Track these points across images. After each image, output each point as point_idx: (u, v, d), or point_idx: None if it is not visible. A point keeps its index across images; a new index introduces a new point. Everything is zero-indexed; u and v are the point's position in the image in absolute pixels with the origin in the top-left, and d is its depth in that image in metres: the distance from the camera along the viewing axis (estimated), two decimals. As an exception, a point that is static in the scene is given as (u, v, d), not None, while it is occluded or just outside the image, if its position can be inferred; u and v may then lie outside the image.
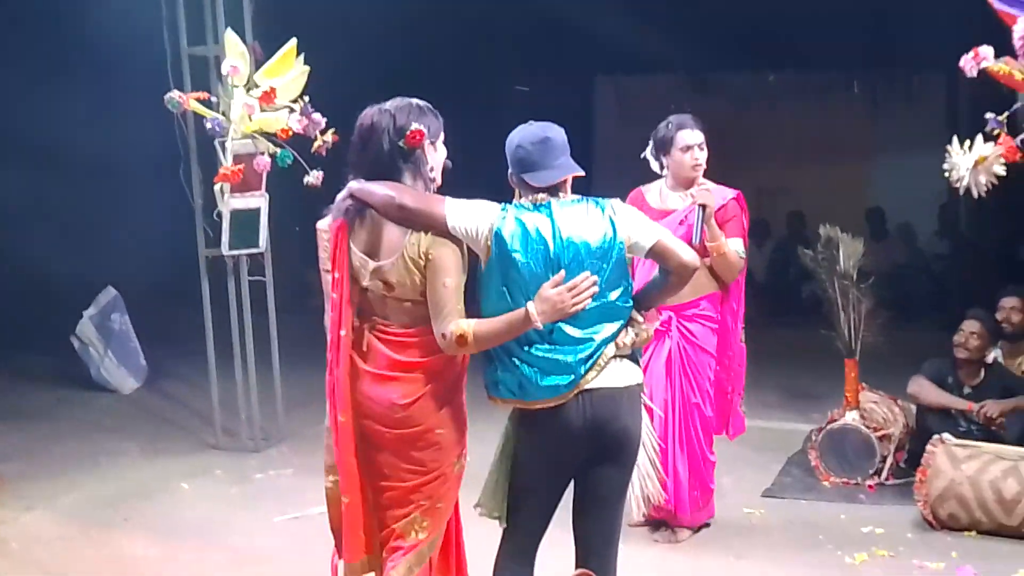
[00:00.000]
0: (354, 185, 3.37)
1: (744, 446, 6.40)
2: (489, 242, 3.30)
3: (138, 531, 5.41)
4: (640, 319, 3.53)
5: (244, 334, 6.70)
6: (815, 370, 7.48)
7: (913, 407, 6.25)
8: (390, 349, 3.40)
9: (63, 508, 5.74)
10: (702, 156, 5.00)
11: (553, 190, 3.42)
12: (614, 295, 3.41)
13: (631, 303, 3.49)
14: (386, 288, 3.36)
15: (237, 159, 6.00)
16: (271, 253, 6.65)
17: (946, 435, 5.42)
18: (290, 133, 5.91)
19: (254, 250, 6.50)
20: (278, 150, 6.03)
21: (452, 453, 3.48)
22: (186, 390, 8.02)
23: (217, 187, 6.15)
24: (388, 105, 3.40)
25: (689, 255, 3.49)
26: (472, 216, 3.32)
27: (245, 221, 6.31)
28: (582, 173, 3.44)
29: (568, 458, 3.47)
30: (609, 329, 3.41)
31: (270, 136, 6.01)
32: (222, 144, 6.02)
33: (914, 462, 5.63)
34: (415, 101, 3.43)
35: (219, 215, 6.25)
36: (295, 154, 5.99)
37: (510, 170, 3.47)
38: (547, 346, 3.35)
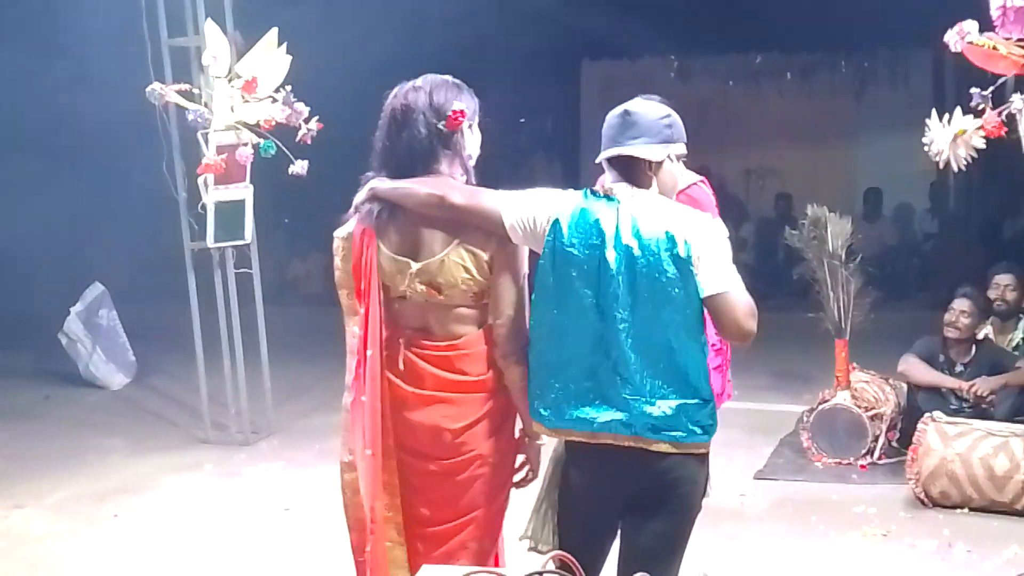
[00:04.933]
0: (381, 187, 2.96)
1: (736, 429, 6.39)
2: (546, 231, 2.88)
3: (127, 527, 5.37)
4: None
5: (231, 327, 6.66)
6: (806, 351, 7.45)
7: (904, 386, 6.24)
8: (434, 366, 2.97)
9: (52, 505, 5.69)
10: None
11: (630, 179, 2.94)
12: (676, 335, 2.84)
13: (704, 352, 2.92)
14: (432, 292, 2.94)
15: (220, 150, 5.96)
16: (257, 244, 6.61)
17: (937, 413, 5.42)
18: (273, 123, 5.88)
19: (240, 242, 6.45)
20: (261, 141, 5.99)
21: (504, 487, 3.09)
22: (174, 384, 7.98)
23: (201, 179, 6.11)
24: (420, 82, 2.99)
25: (748, 323, 2.84)
26: (529, 208, 2.91)
27: (230, 213, 6.27)
28: (648, 156, 2.93)
29: (607, 505, 3.02)
30: (667, 390, 2.87)
31: (253, 127, 5.96)
32: (205, 136, 5.98)
33: (905, 441, 5.63)
34: (449, 78, 3.03)
35: (203, 207, 6.20)
36: (279, 144, 5.95)
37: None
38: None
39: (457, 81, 3.03)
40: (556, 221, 2.88)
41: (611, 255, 2.84)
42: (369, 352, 2.94)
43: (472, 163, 3.05)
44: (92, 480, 6.10)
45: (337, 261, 3.06)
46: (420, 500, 3.02)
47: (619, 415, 2.87)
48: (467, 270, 2.91)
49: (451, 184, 2.93)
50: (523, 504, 3.20)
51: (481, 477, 3.00)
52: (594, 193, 2.95)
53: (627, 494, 2.99)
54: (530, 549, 3.16)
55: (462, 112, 2.95)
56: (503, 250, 2.92)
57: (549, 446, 3.15)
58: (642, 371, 2.85)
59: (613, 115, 3.00)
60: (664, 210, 2.92)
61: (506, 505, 3.13)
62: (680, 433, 2.89)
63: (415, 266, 2.93)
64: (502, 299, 2.95)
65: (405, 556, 3.04)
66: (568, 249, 2.86)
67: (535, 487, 3.19)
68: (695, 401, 2.89)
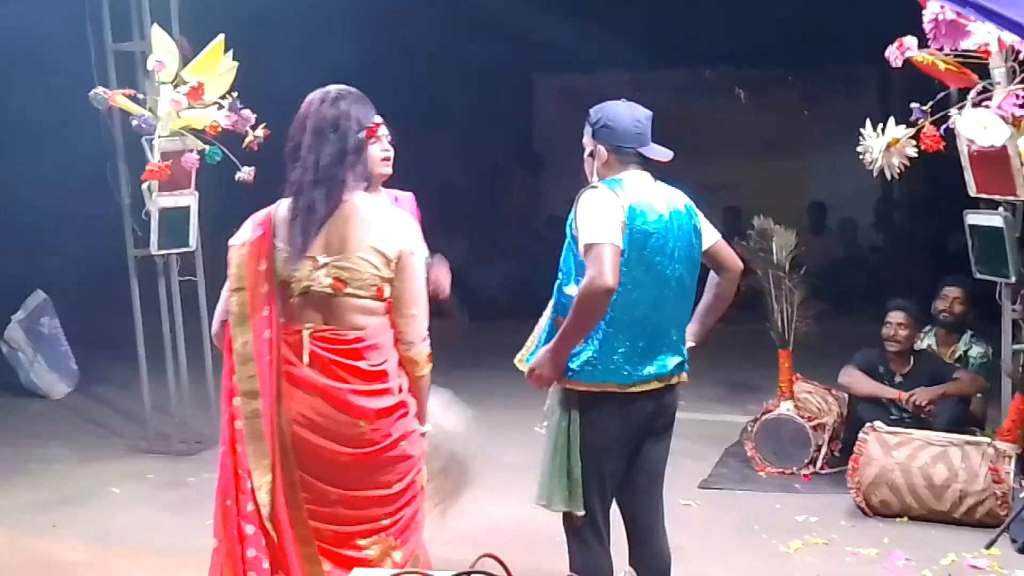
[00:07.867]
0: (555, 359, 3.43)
1: (683, 438, 6.34)
2: (625, 221, 3.39)
3: (68, 537, 5.29)
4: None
5: (175, 335, 6.59)
6: (754, 362, 7.51)
7: (847, 396, 6.30)
8: (344, 356, 3.11)
9: (-10, 515, 5.61)
10: (390, 149, 3.92)
11: (648, 168, 3.57)
12: (692, 288, 3.61)
13: None
14: (338, 285, 3.09)
15: (165, 156, 5.93)
16: (202, 252, 6.54)
17: (878, 423, 5.48)
18: (219, 129, 5.86)
19: (184, 249, 6.40)
20: (207, 147, 5.95)
21: (416, 467, 3.25)
22: (118, 393, 7.86)
23: (145, 185, 6.06)
24: (336, 92, 3.20)
25: (736, 258, 3.75)
26: (612, 219, 3.36)
27: (175, 220, 6.22)
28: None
29: (632, 439, 3.58)
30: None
31: (199, 133, 5.92)
32: (149, 141, 5.93)
33: (848, 451, 5.68)
34: (351, 89, 3.25)
35: (148, 214, 6.15)
36: (225, 151, 5.91)
37: (612, 144, 3.53)
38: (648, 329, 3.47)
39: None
40: (632, 208, 3.39)
41: (668, 227, 3.47)
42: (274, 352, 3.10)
43: (376, 168, 3.50)
44: (33, 489, 6.01)
45: (233, 269, 3.18)
46: (330, 479, 3.14)
47: (675, 359, 3.55)
48: (375, 266, 3.11)
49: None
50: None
51: (396, 458, 3.18)
52: (617, 181, 3.49)
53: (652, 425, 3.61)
54: (554, 510, 3.54)
55: (380, 125, 3.32)
56: (407, 254, 3.16)
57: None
58: (684, 320, 3.62)
59: (644, 115, 3.57)
60: (670, 188, 3.60)
61: (422, 496, 3.32)
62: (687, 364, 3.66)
63: (322, 260, 3.09)
64: (407, 297, 3.18)
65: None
66: (644, 227, 3.41)
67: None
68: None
